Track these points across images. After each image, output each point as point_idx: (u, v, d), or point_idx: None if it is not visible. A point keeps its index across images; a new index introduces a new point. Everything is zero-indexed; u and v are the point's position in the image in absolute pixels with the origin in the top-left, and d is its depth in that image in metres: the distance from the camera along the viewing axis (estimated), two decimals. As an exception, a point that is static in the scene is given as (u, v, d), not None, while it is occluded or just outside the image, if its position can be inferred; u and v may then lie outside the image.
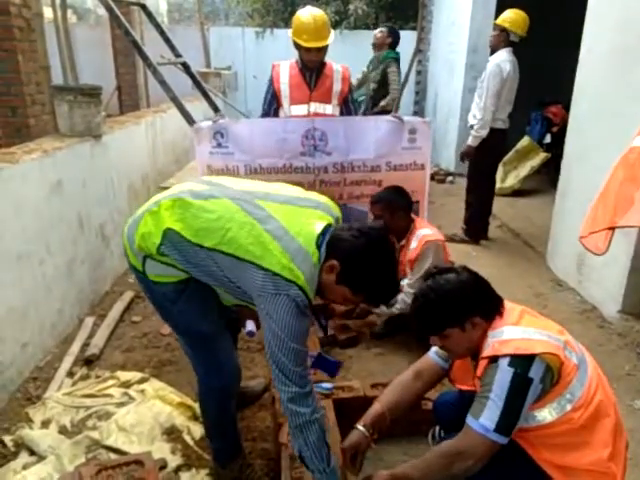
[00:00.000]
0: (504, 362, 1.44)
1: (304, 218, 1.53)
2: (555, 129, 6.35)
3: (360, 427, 1.72)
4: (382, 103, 5.32)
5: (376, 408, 1.77)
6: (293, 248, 1.43)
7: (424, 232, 2.86)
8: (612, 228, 2.33)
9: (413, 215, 2.99)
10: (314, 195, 1.69)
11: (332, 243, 1.48)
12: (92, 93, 3.28)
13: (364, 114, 4.87)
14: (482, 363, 1.51)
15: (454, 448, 1.48)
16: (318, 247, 1.47)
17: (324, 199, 1.68)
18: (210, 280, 1.59)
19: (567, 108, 3.99)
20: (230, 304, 1.77)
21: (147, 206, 1.64)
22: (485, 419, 1.43)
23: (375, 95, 5.44)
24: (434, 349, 1.80)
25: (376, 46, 5.47)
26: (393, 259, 1.56)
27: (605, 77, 3.35)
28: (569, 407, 1.47)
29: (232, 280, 1.52)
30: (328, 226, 1.54)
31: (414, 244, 2.84)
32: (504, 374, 1.43)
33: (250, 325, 2.69)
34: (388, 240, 1.55)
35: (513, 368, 1.42)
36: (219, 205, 1.53)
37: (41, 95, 4.11)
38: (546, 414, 1.48)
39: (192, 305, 1.65)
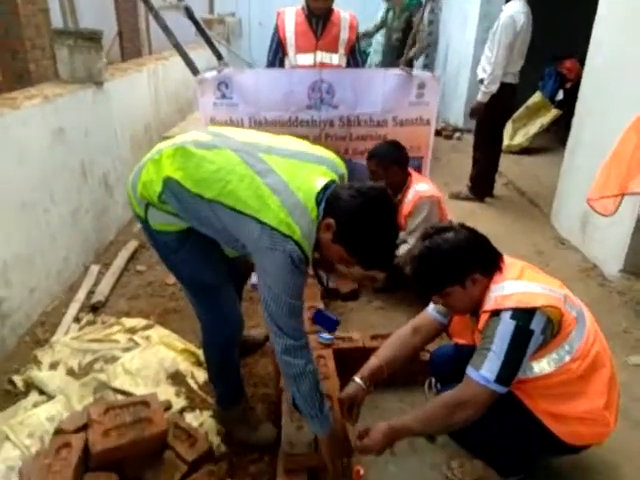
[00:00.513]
0: (506, 315, 1.46)
1: (306, 173, 1.50)
2: (568, 85, 6.14)
3: (357, 379, 1.77)
4: (410, 54, 5.08)
5: (374, 362, 1.81)
6: (292, 203, 1.42)
7: (419, 187, 2.83)
8: (624, 194, 2.30)
9: (411, 170, 2.95)
10: (320, 150, 1.65)
11: (330, 201, 1.45)
12: (93, 37, 3.20)
13: (385, 66, 4.66)
14: (484, 317, 1.53)
15: (455, 398, 1.52)
16: (318, 203, 1.45)
17: (330, 154, 1.65)
18: (209, 231, 1.59)
19: (582, 63, 3.85)
20: (233, 256, 1.78)
21: (150, 154, 1.62)
22: (486, 370, 1.46)
23: (401, 45, 5.15)
24: (433, 304, 1.82)
25: None
26: (391, 221, 1.51)
27: (624, 31, 3.22)
28: (568, 358, 1.51)
29: (231, 232, 1.52)
30: (330, 183, 1.50)
31: (408, 200, 2.82)
32: (506, 327, 1.45)
33: (255, 277, 2.72)
34: (388, 202, 1.50)
35: (515, 321, 1.44)
36: (221, 156, 1.51)
37: (41, 39, 4.01)
38: (544, 365, 1.52)
39: (194, 255, 1.66)
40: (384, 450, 1.60)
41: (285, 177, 1.46)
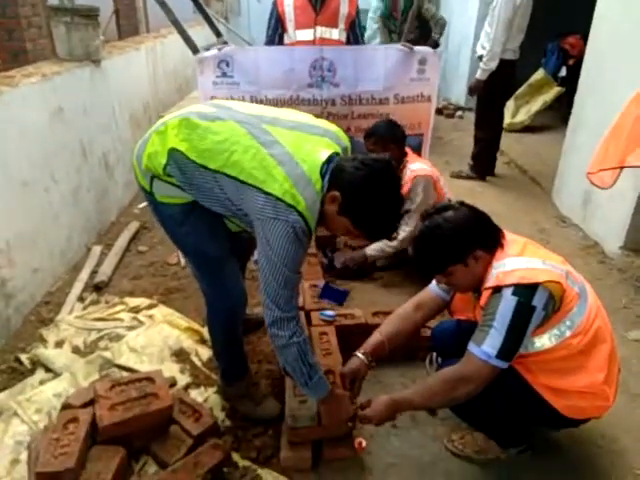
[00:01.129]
0: (508, 291, 1.47)
1: (310, 145, 1.51)
2: (571, 62, 6.07)
3: (360, 354, 1.79)
4: (434, 37, 4.93)
5: (376, 337, 1.83)
6: (296, 174, 1.43)
7: (414, 167, 2.82)
8: (622, 167, 2.30)
9: (407, 149, 2.94)
10: (324, 123, 1.66)
11: (335, 173, 1.47)
12: (89, 14, 3.15)
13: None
14: (486, 293, 1.53)
15: (457, 373, 1.54)
16: (322, 175, 1.46)
17: (334, 127, 1.65)
18: (213, 204, 1.59)
19: (586, 39, 3.80)
20: (236, 230, 1.79)
21: (155, 126, 1.63)
22: (487, 346, 1.48)
23: (421, 35, 4.95)
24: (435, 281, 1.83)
25: None
26: (395, 193, 1.51)
27: (626, 8, 3.17)
28: (568, 333, 1.52)
29: (235, 203, 1.53)
30: (334, 155, 1.52)
31: (404, 180, 2.81)
32: (508, 303, 1.46)
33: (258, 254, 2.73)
34: (392, 173, 1.51)
35: (517, 297, 1.45)
36: (225, 127, 1.52)
37: (37, 17, 3.93)
38: (545, 340, 1.53)
39: (199, 227, 1.67)
40: (384, 422, 1.63)
41: (290, 148, 1.47)
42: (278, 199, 1.40)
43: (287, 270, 1.46)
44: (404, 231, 2.77)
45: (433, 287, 1.86)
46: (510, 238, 1.63)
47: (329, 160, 1.48)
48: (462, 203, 1.64)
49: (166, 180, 1.58)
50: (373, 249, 2.86)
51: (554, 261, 1.57)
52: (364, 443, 1.73)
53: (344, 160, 1.51)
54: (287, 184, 1.41)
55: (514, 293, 1.46)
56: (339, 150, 1.57)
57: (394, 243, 2.79)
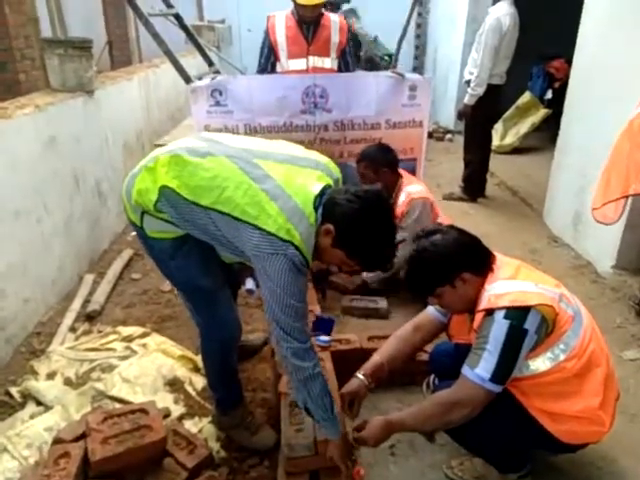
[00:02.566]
0: (500, 315, 1.47)
1: (302, 178, 1.51)
2: (557, 84, 6.22)
3: (360, 375, 1.79)
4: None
5: (375, 359, 1.83)
6: (289, 208, 1.43)
7: (410, 189, 2.84)
8: (626, 196, 2.31)
9: (401, 171, 2.96)
10: (315, 155, 1.67)
11: (328, 206, 1.47)
12: (83, 46, 3.19)
13: None
14: (479, 316, 1.54)
15: (451, 397, 1.53)
16: (315, 208, 1.46)
17: (325, 159, 1.66)
18: (207, 238, 1.59)
19: (570, 62, 3.89)
20: (230, 262, 1.78)
21: (145, 161, 1.63)
22: (481, 369, 1.47)
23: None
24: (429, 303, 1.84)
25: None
26: (388, 223, 1.52)
27: (608, 31, 3.26)
28: (563, 357, 1.52)
29: (230, 239, 1.53)
30: (327, 187, 1.52)
31: (401, 201, 2.82)
32: (500, 326, 1.46)
33: (250, 283, 2.73)
34: (384, 204, 1.52)
35: (509, 320, 1.45)
36: (216, 163, 1.52)
37: (30, 49, 3.98)
38: (540, 364, 1.53)
39: (190, 261, 1.66)
40: (380, 443, 1.61)
41: (282, 182, 1.47)
42: (272, 234, 1.40)
43: (293, 301, 1.44)
44: (398, 254, 2.76)
45: (431, 309, 1.87)
46: (503, 261, 1.65)
47: (322, 193, 1.49)
48: (452, 226, 1.66)
49: (157, 216, 1.58)
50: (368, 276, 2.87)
51: (547, 284, 1.58)
52: (362, 471, 1.70)
53: (336, 193, 1.51)
54: (281, 219, 1.41)
55: (506, 316, 1.47)
56: (331, 182, 1.57)
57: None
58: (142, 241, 1.71)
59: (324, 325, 2.30)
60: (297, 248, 1.41)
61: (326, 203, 1.47)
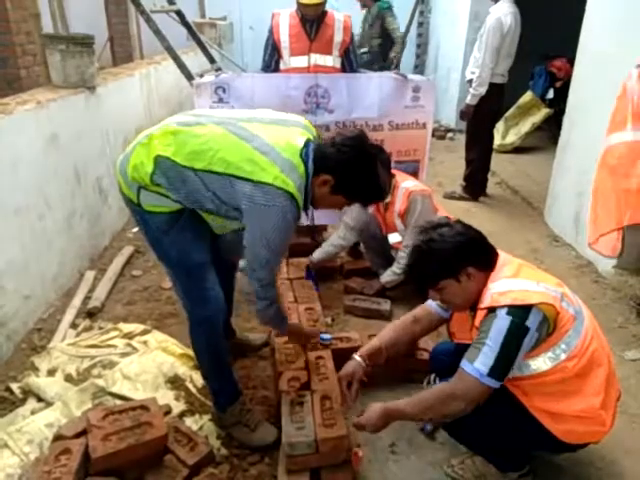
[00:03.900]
0: (502, 312, 1.48)
1: (286, 134, 1.64)
2: (559, 84, 6.19)
3: (357, 357, 1.82)
4: (391, 54, 5.52)
5: (374, 342, 1.86)
6: (281, 160, 1.55)
7: (406, 185, 2.83)
8: (620, 228, 2.31)
9: (394, 171, 2.94)
10: (294, 116, 1.80)
11: (320, 159, 1.62)
12: (84, 42, 3.18)
13: (373, 70, 4.83)
14: (480, 314, 1.54)
15: (448, 390, 1.54)
16: (302, 159, 1.59)
17: (303, 119, 1.79)
18: (201, 206, 1.66)
19: (572, 62, 3.88)
20: (221, 232, 1.89)
21: (138, 139, 1.70)
22: (479, 364, 1.48)
23: (382, 50, 5.66)
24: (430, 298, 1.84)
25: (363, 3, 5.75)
26: (375, 158, 1.69)
27: (610, 31, 3.26)
28: (564, 356, 1.52)
29: (223, 200, 1.61)
30: (309, 140, 1.66)
31: (400, 198, 2.82)
32: (501, 322, 1.47)
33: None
34: (367, 144, 1.69)
35: (511, 317, 1.46)
36: (206, 129, 1.62)
37: (32, 45, 3.97)
38: (541, 363, 1.53)
39: (183, 236, 1.73)
40: (377, 430, 1.62)
41: (268, 139, 1.59)
42: (269, 185, 1.52)
43: (270, 254, 1.62)
44: (405, 249, 2.75)
45: (430, 303, 1.87)
46: (506, 259, 1.65)
47: (305, 145, 1.62)
48: (458, 221, 1.66)
49: (153, 190, 1.64)
50: (387, 275, 2.88)
51: (549, 283, 1.57)
52: (360, 453, 1.72)
53: (323, 147, 1.67)
54: (275, 170, 1.53)
55: (508, 313, 1.47)
56: (311, 137, 1.70)
57: (401, 265, 2.79)
58: (138, 218, 1.75)
59: (310, 275, 2.87)
60: (292, 196, 1.54)
61: (316, 157, 1.63)
